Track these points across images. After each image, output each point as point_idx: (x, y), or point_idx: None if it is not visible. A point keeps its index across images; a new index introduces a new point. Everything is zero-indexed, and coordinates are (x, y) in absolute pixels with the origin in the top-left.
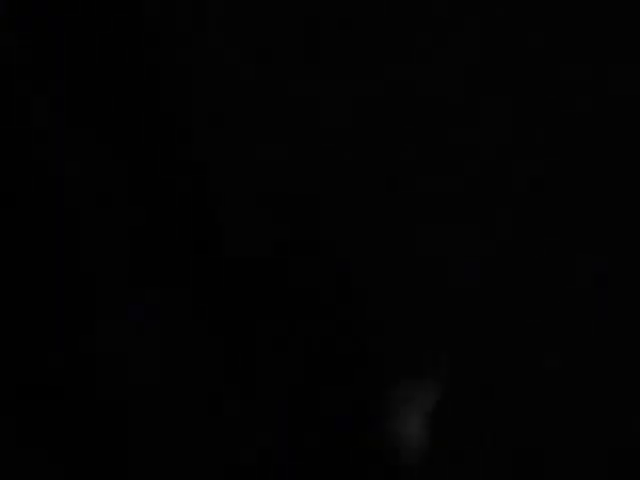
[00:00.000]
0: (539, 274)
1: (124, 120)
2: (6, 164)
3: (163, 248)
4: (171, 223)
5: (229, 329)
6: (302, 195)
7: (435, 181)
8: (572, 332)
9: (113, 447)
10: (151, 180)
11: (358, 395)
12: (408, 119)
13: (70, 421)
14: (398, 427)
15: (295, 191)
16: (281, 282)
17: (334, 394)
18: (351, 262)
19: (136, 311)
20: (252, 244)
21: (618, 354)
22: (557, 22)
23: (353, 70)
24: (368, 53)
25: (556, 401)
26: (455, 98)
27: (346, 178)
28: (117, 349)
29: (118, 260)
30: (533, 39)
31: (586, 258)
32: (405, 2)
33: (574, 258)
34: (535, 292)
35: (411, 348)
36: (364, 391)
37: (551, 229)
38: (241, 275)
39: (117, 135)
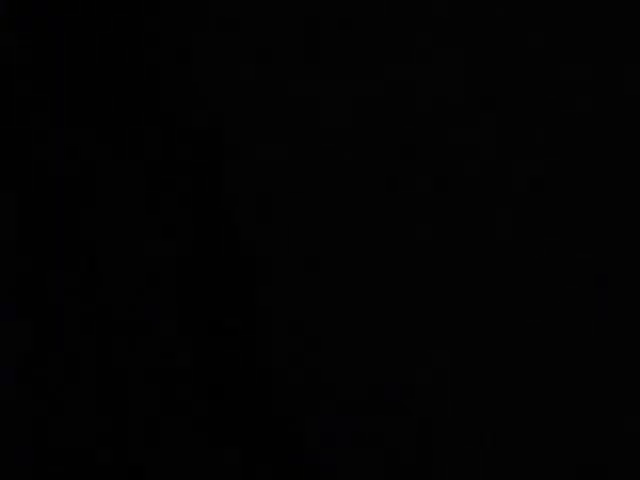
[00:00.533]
0: (539, 274)
1: (124, 120)
2: (6, 164)
3: (163, 247)
4: (171, 221)
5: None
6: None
7: (435, 181)
8: (572, 332)
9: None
10: (151, 179)
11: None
12: (408, 119)
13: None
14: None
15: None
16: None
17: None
18: (354, 264)
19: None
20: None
21: (617, 354)
22: (557, 22)
23: (353, 70)
24: (368, 53)
25: (554, 400)
26: (455, 98)
27: (345, 178)
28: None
29: (118, 258)
30: (533, 39)
31: (586, 258)
32: (405, 2)
33: (574, 258)
34: (535, 292)
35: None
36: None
37: (551, 229)
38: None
39: (117, 135)
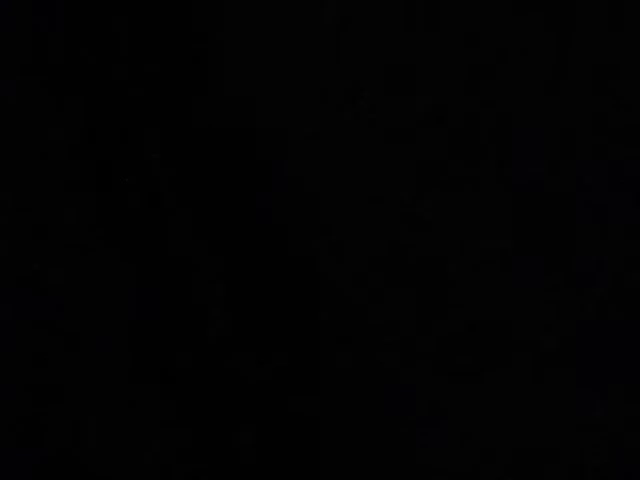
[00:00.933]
0: (539, 274)
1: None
2: None
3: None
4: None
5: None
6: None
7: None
8: (574, 332)
9: None
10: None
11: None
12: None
13: None
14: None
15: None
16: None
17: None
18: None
19: None
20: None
21: (617, 353)
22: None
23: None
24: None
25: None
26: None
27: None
28: None
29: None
30: (533, 39)
31: (586, 258)
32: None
33: (574, 257)
34: (534, 293)
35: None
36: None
37: (551, 229)
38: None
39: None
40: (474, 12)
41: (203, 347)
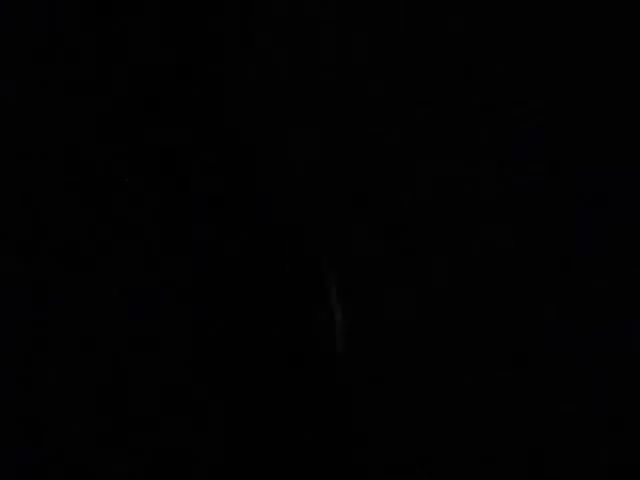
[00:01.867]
0: (540, 277)
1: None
2: None
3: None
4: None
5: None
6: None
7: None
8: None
9: None
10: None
11: None
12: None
13: None
14: None
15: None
16: None
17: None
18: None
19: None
20: None
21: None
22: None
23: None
24: None
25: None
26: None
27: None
28: None
29: None
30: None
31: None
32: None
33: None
34: (536, 296)
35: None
36: None
37: (551, 231)
38: None
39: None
40: (475, 12)
41: (202, 346)
